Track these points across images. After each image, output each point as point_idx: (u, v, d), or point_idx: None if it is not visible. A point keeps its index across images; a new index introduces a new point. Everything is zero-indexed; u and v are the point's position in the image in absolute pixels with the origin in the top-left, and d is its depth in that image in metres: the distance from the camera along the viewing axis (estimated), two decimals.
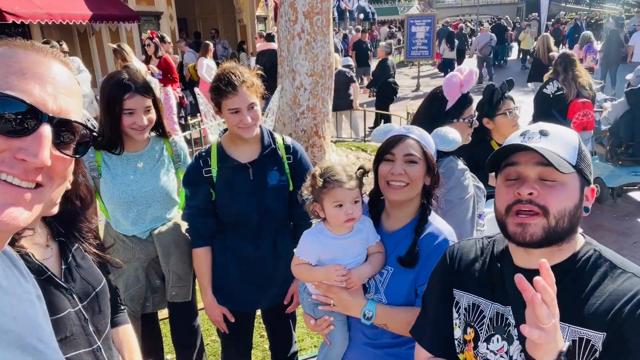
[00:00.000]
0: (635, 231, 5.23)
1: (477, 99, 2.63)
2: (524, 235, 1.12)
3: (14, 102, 0.71)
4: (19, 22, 8.86)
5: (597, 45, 12.71)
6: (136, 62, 6.59)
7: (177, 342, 2.68)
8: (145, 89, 2.19)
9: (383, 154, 1.72)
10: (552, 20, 24.44)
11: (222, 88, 2.04)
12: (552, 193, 1.12)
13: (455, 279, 1.38)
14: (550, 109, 4.82)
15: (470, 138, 2.36)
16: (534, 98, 5.29)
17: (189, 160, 2.51)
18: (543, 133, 1.16)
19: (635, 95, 5.00)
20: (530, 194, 1.12)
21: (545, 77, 5.24)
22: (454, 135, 1.84)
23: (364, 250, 1.77)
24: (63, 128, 0.78)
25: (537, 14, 22.29)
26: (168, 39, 9.59)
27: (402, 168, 1.65)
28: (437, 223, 1.72)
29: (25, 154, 0.71)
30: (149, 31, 8.81)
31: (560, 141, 1.15)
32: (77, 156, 0.82)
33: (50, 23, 9.72)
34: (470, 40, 20.82)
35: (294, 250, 1.81)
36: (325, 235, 1.77)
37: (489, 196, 2.93)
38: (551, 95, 4.91)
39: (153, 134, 2.38)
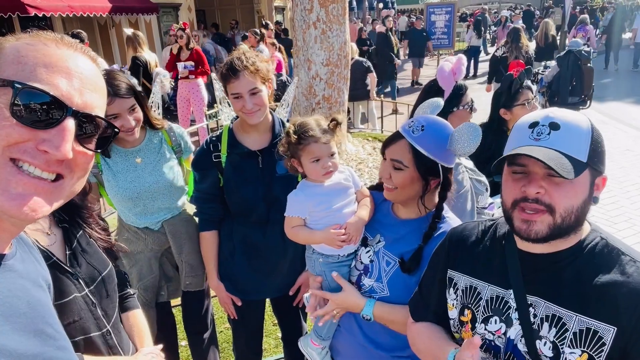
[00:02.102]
0: None
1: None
2: (528, 232, 1.12)
3: (40, 94, 0.72)
4: (40, 15, 9.01)
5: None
6: (147, 54, 6.60)
7: (190, 330, 2.71)
8: (127, 90, 2.12)
9: (382, 150, 1.68)
10: (578, 7, 24.20)
11: (225, 73, 2.05)
12: (559, 191, 1.08)
13: (451, 260, 1.37)
14: (499, 66, 7.96)
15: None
16: (490, 59, 8.74)
17: (191, 147, 2.50)
18: (553, 126, 1.10)
19: (562, 60, 7.03)
20: (537, 193, 1.10)
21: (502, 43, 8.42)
22: (473, 142, 1.56)
23: (351, 194, 1.81)
24: (86, 122, 0.80)
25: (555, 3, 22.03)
26: (270, 25, 9.53)
27: (387, 172, 1.60)
28: (452, 221, 1.66)
29: (48, 146, 0.73)
30: (181, 22, 8.82)
31: (571, 134, 1.10)
32: (98, 151, 0.84)
33: (71, 15, 9.86)
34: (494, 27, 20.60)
35: (285, 214, 1.83)
36: (308, 186, 1.80)
37: None
38: (499, 57, 8.15)
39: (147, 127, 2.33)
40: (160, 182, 2.31)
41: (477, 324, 1.26)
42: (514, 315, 1.18)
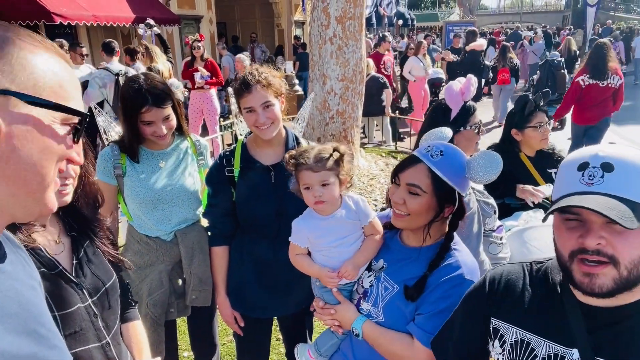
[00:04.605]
0: None
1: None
2: (592, 287, 1.01)
3: (77, 112, 0.81)
4: (66, 24, 9.26)
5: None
6: (161, 64, 6.80)
7: (196, 346, 2.70)
8: (163, 99, 2.15)
9: (393, 174, 1.60)
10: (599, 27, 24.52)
11: (238, 87, 2.07)
12: (622, 241, 0.97)
13: (494, 308, 1.25)
14: (491, 72, 11.06)
15: (478, 147, 2.35)
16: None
17: (210, 160, 2.51)
18: (606, 167, 0.99)
19: (541, 67, 9.93)
20: (598, 244, 0.99)
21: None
22: (493, 171, 1.55)
23: (356, 230, 1.77)
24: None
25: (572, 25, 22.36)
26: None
27: (401, 197, 1.53)
28: (461, 255, 1.58)
29: (74, 156, 0.84)
30: (197, 34, 9.00)
31: (628, 174, 0.98)
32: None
33: (95, 25, 10.11)
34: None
35: (289, 238, 1.84)
36: (311, 217, 1.80)
37: (515, 209, 2.85)
38: (489, 67, 11.25)
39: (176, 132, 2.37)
40: (182, 187, 2.31)
41: None
42: None
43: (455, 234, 1.63)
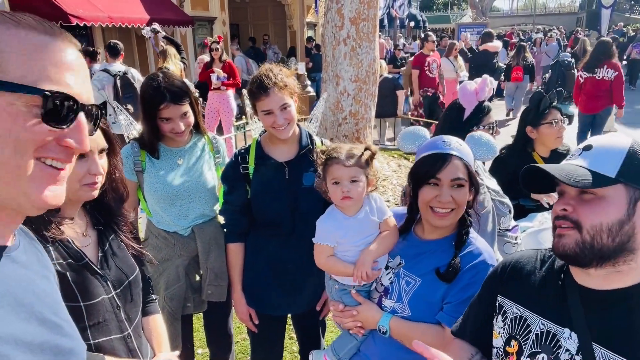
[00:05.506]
0: None
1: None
2: (558, 247, 1.11)
3: (59, 95, 0.74)
4: (82, 25, 9.39)
5: None
6: (172, 65, 6.90)
7: (211, 341, 2.73)
8: (181, 97, 2.19)
9: (426, 177, 1.60)
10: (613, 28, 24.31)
11: (254, 90, 2.08)
12: (586, 207, 1.07)
13: (502, 287, 1.32)
14: (507, 71, 11.45)
15: None
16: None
17: (227, 158, 2.56)
18: (586, 148, 1.12)
19: (552, 67, 10.22)
20: (564, 209, 1.10)
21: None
22: (491, 142, 1.79)
23: (377, 228, 1.80)
24: (89, 113, 0.83)
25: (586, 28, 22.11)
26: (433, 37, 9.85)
27: (449, 195, 1.56)
28: (478, 243, 1.65)
29: (70, 142, 0.77)
30: (216, 36, 9.09)
31: (601, 153, 1.09)
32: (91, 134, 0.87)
33: (110, 26, 10.24)
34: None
35: (313, 239, 1.83)
36: (336, 215, 1.81)
37: (530, 210, 2.84)
38: (504, 65, 11.90)
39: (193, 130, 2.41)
40: (199, 184, 2.36)
41: (522, 357, 1.20)
42: (564, 356, 1.12)
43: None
